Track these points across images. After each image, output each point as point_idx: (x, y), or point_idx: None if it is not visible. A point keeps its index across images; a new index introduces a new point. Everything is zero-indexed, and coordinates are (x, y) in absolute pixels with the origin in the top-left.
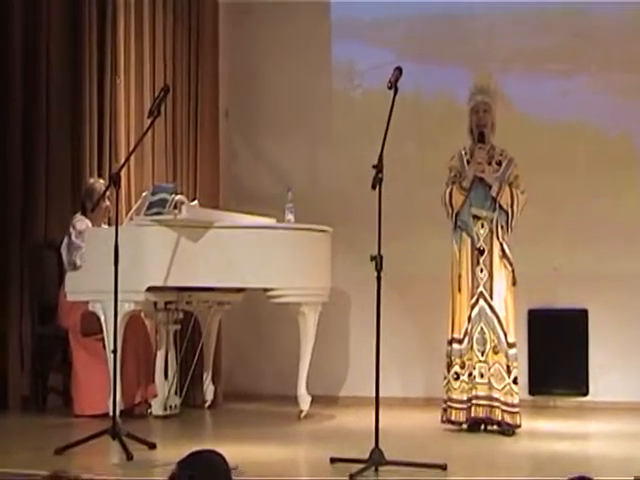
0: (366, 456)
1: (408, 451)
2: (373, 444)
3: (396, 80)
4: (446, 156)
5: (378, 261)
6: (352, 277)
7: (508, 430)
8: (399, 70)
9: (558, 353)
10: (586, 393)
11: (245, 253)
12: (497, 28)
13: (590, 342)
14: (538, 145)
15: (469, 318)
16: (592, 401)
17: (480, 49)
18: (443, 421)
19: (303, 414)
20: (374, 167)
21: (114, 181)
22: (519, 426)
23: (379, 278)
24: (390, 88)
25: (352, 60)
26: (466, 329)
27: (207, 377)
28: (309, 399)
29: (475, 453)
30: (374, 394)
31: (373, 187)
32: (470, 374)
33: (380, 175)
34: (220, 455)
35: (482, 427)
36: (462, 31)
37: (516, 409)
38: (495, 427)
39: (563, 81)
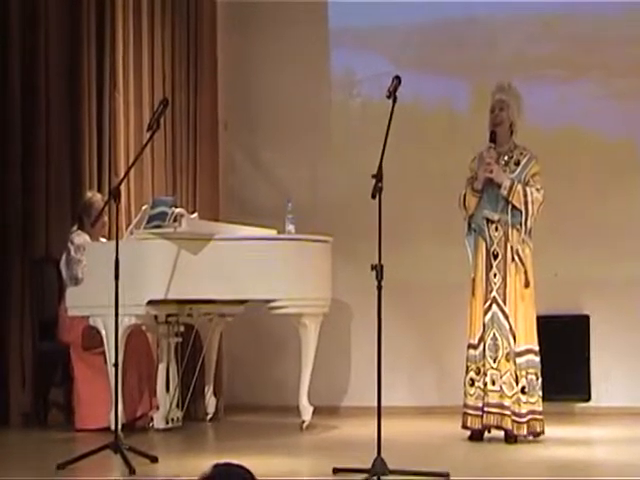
0: (369, 466)
1: (412, 460)
2: (376, 453)
3: (395, 89)
4: (446, 164)
5: (379, 270)
6: (353, 287)
7: (510, 438)
8: (398, 79)
9: (560, 359)
10: (588, 399)
11: (246, 265)
12: (496, 35)
13: (592, 348)
14: (540, 152)
15: (483, 324)
16: (594, 407)
17: (479, 56)
18: (463, 427)
19: (305, 425)
20: (374, 176)
21: (114, 195)
22: (525, 436)
23: (380, 287)
24: (389, 97)
25: (350, 70)
26: (481, 335)
27: (209, 390)
28: (311, 410)
29: (478, 461)
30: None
31: (373, 196)
32: (484, 381)
33: (380, 184)
34: (248, 471)
35: (484, 434)
36: (461, 38)
37: (523, 419)
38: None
39: (564, 87)
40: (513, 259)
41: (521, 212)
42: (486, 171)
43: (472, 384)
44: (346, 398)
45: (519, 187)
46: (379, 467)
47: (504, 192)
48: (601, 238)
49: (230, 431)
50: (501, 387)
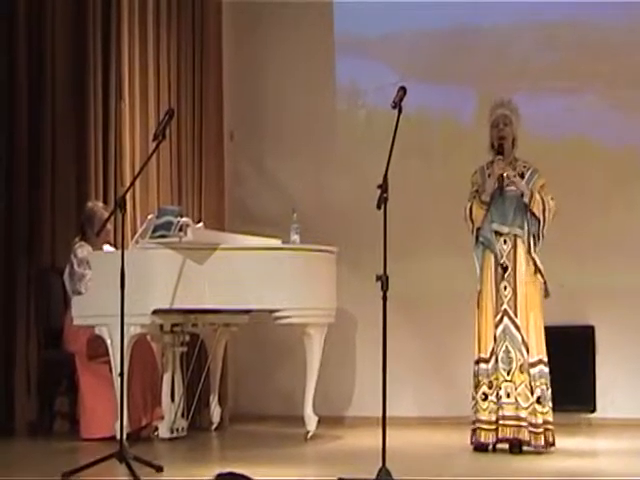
0: (374, 476)
1: (417, 470)
2: (381, 464)
3: (400, 100)
4: (451, 174)
5: (384, 281)
6: (358, 297)
7: (515, 448)
8: (403, 90)
9: (565, 370)
10: (594, 410)
11: (251, 275)
12: (501, 45)
13: (597, 359)
14: (545, 162)
15: (494, 337)
16: (600, 418)
17: (485, 67)
18: (472, 442)
19: (310, 435)
20: (379, 187)
21: (120, 205)
22: (543, 446)
23: (385, 298)
24: (394, 108)
25: (355, 80)
26: (492, 348)
27: (214, 399)
28: (316, 420)
29: (483, 471)
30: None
31: (378, 207)
32: (497, 394)
33: (385, 195)
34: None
35: (490, 447)
36: (466, 49)
37: (540, 429)
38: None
39: (569, 98)
40: (528, 273)
41: (539, 220)
42: (508, 178)
43: (485, 398)
44: (351, 408)
45: (537, 196)
46: (384, 477)
47: (526, 200)
48: (606, 249)
49: (235, 441)
50: (516, 399)
